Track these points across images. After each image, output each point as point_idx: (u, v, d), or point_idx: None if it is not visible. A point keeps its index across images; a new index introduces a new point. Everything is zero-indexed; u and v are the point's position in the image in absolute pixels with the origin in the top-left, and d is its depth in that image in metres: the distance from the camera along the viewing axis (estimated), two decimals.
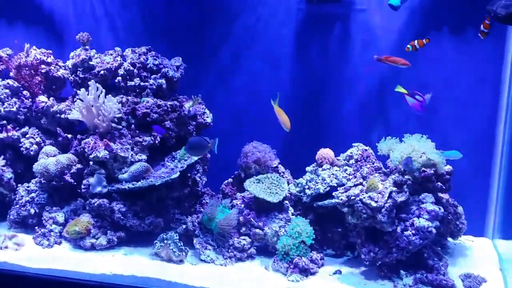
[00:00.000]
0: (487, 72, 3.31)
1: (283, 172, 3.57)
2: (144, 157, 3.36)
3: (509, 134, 3.20)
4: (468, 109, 3.38)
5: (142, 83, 3.50)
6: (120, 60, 3.60)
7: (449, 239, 3.26)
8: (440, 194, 3.02)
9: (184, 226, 3.31)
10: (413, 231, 2.80)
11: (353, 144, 3.33)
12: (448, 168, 2.98)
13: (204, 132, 3.62)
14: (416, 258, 2.89)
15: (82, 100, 3.33)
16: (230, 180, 3.61)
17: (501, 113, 3.27)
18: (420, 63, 3.38)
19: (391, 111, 3.53)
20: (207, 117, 3.58)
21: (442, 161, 2.87)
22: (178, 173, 3.18)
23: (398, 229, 2.85)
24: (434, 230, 2.79)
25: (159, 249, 3.14)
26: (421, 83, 3.42)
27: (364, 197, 2.82)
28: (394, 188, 2.85)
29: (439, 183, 2.98)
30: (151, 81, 3.50)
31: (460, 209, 3.14)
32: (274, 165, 3.54)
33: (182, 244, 3.14)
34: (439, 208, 2.83)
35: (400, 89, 2.90)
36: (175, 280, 2.91)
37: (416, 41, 2.96)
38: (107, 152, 3.23)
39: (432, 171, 2.96)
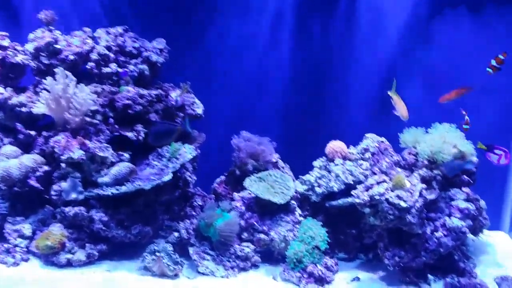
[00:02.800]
0: (507, 55, 3.02)
1: (283, 167, 3.18)
2: (126, 156, 2.86)
3: None
4: (485, 95, 3.10)
5: (120, 70, 2.98)
6: (92, 43, 3.06)
7: (469, 235, 3.00)
8: (463, 189, 2.73)
9: (176, 234, 2.88)
10: (445, 232, 2.51)
11: (365, 135, 2.97)
12: (475, 160, 2.70)
13: (194, 124, 3.16)
14: (445, 261, 2.61)
15: (49, 91, 2.79)
16: (222, 178, 3.20)
17: None
18: (434, 45, 3.06)
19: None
20: (197, 107, 3.12)
21: (474, 153, 2.58)
22: (171, 174, 2.71)
23: (428, 230, 2.54)
24: (467, 230, 2.51)
25: (150, 263, 2.69)
26: (435, 67, 3.11)
27: (391, 197, 2.48)
28: (423, 185, 2.52)
29: (465, 176, 2.69)
30: (131, 67, 3.00)
31: (482, 203, 2.86)
32: (274, 160, 3.14)
33: (177, 256, 2.70)
34: (472, 205, 2.54)
35: (481, 146, 2.64)
36: None
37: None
38: (83, 152, 2.72)
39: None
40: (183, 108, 3.07)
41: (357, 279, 2.71)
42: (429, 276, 2.59)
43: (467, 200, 2.57)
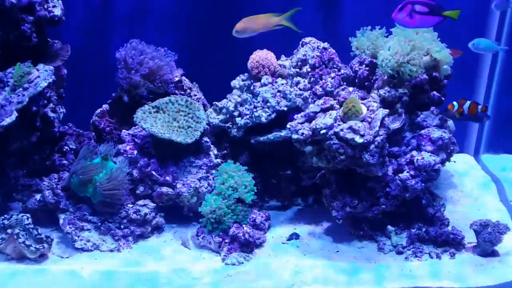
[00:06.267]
0: None
1: (190, 89, 2.50)
2: None
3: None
4: None
5: None
6: None
7: None
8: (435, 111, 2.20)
9: (38, 197, 2.19)
10: (412, 172, 1.99)
11: (303, 40, 2.30)
12: (449, 70, 2.15)
13: (52, 32, 2.32)
14: (409, 206, 2.12)
15: None
16: (105, 107, 2.53)
17: None
18: None
19: None
20: (53, 6, 2.26)
21: (450, 61, 2.01)
22: (15, 114, 1.92)
23: (389, 170, 2.00)
24: (441, 167, 2.00)
25: (1, 244, 1.97)
26: None
27: (342, 130, 1.87)
28: (386, 111, 1.94)
29: (435, 92, 2.14)
30: None
31: (450, 124, 2.37)
32: (176, 79, 2.46)
33: (39, 230, 2.02)
34: (446, 133, 2.02)
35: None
36: None
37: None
38: None
39: (426, 76, 2.10)
40: (32, 9, 2.20)
41: (296, 236, 2.19)
42: (389, 227, 2.10)
43: (441, 126, 2.04)
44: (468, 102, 2.06)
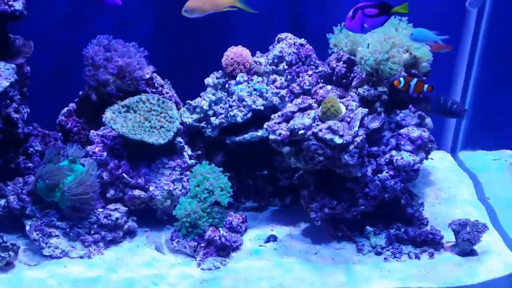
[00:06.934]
0: None
1: (162, 86, 2.43)
2: None
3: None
4: None
5: None
6: None
7: None
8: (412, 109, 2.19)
9: (2, 202, 2.11)
10: (391, 172, 1.97)
11: (279, 36, 2.25)
12: (428, 67, 2.14)
13: (13, 28, 2.22)
14: (387, 206, 2.11)
15: None
16: (72, 106, 2.44)
17: None
18: None
19: None
20: (14, 0, 2.14)
21: (430, 58, 1.99)
22: None
23: (368, 171, 1.99)
24: (420, 167, 2.00)
25: None
26: None
27: (321, 130, 1.84)
28: (365, 110, 1.91)
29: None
30: None
31: (428, 121, 2.36)
32: (147, 76, 2.38)
33: (4, 238, 1.97)
34: (426, 132, 2.02)
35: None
36: None
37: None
38: None
39: (405, 74, 2.09)
40: None
41: (273, 239, 2.16)
42: (368, 228, 2.09)
43: (420, 124, 2.03)
44: (415, 80, 2.01)
